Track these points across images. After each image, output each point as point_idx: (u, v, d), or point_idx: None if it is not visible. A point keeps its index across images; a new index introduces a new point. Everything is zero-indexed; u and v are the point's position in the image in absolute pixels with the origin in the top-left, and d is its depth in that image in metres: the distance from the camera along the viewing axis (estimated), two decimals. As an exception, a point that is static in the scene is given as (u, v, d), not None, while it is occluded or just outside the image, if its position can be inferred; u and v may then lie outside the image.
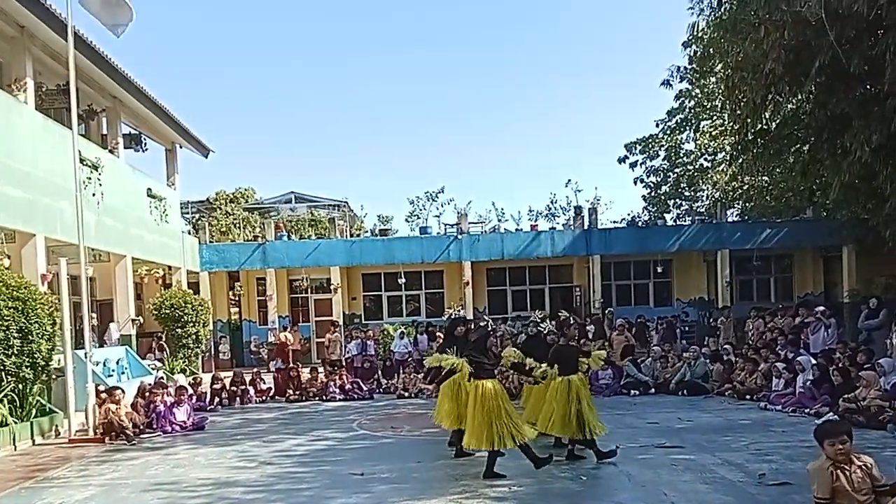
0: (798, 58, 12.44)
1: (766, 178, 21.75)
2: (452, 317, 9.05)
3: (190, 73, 64.18)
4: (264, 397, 15.69)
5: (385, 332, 20.44)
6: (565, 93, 61.73)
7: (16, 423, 10.37)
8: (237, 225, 29.66)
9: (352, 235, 26.32)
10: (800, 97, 14.31)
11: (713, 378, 14.40)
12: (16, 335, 10.40)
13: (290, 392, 15.58)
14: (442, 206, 29.02)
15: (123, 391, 11.72)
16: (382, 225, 31.06)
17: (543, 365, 8.78)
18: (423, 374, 13.35)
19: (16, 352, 10.43)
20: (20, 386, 10.62)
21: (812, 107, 13.81)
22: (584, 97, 61.77)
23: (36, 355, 10.80)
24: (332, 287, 22.78)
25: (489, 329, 8.05)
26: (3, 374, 10.32)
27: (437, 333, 16.10)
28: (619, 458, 8.25)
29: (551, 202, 30.50)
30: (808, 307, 15.66)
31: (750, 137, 15.16)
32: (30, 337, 10.63)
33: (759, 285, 24.04)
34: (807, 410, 11.13)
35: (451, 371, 8.27)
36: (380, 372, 17.09)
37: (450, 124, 63.64)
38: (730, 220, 24.34)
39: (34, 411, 10.92)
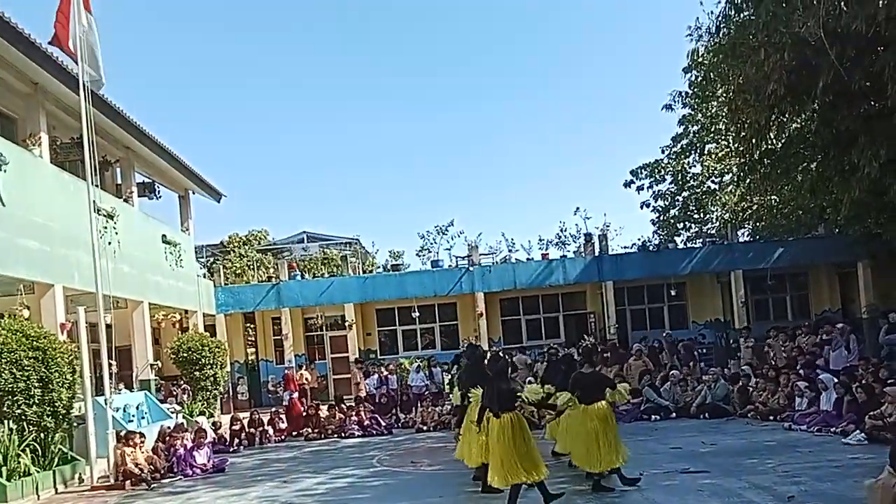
0: (800, 78, 12.54)
1: (775, 197, 21.74)
2: (478, 347, 9.00)
3: (200, 119, 65.22)
4: (283, 437, 15.67)
5: (401, 367, 20.40)
6: (570, 120, 62.20)
7: (38, 472, 10.39)
8: (251, 266, 29.87)
9: (364, 272, 26.42)
10: (804, 116, 14.40)
11: (734, 400, 14.27)
12: (37, 384, 10.50)
13: (309, 430, 15.57)
14: (452, 239, 29.17)
15: (144, 435, 11.76)
16: (394, 260, 31.21)
17: (563, 394, 8.72)
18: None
19: (37, 401, 10.52)
20: (42, 435, 10.68)
21: (817, 125, 13.89)
22: (589, 124, 62.19)
23: (57, 404, 10.89)
24: (346, 324, 22.82)
25: (508, 361, 7.97)
26: (25, 423, 10.39)
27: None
28: (643, 485, 8.19)
29: (561, 230, 30.63)
30: (831, 324, 15.54)
31: (756, 158, 15.23)
32: (50, 386, 10.72)
33: (776, 304, 23.85)
34: (832, 429, 11.01)
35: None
36: (397, 406, 17.05)
37: (457, 158, 64.15)
38: (741, 240, 24.26)
39: (56, 460, 10.94)
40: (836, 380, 12.07)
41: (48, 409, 10.73)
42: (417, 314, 23.04)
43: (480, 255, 23.95)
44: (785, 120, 14.50)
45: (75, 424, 11.66)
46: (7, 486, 9.76)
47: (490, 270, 22.92)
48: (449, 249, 28.68)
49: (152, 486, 10.65)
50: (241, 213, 65.93)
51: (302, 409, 17.28)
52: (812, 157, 14.81)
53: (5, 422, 10.20)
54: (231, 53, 63.58)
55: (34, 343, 10.61)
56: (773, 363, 15.49)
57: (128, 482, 10.71)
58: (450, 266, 24.18)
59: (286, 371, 21.57)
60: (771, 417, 12.93)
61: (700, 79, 17.81)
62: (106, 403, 11.57)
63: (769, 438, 11.17)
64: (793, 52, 12.07)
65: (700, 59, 15.29)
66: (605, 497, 7.83)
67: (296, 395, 17.38)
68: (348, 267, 24.53)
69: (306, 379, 19.71)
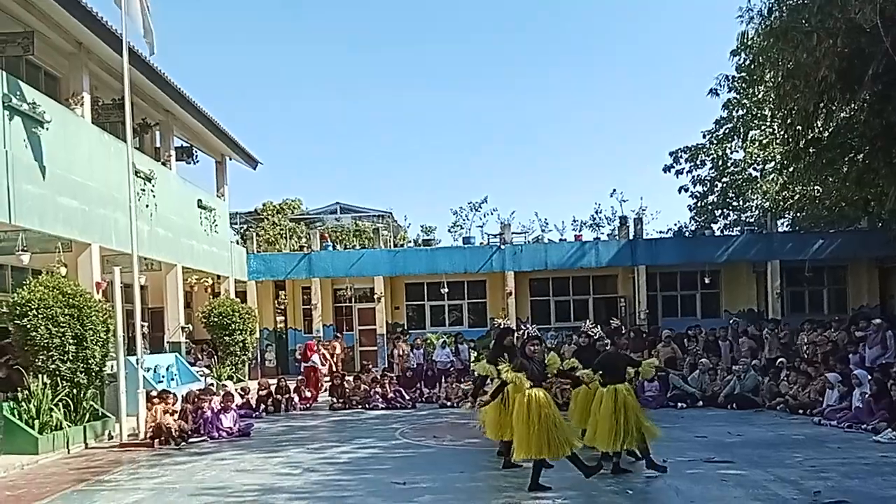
0: (851, 65, 12.13)
1: (818, 187, 21.17)
2: (501, 326, 8.97)
3: (239, 86, 65.68)
4: (308, 404, 15.87)
5: (427, 342, 20.46)
6: (611, 102, 61.32)
7: (70, 426, 10.69)
8: (283, 235, 30.13)
9: (395, 246, 26.47)
10: (853, 105, 13.93)
11: (764, 392, 14.05)
12: (71, 341, 10.77)
13: (334, 400, 15.73)
14: (485, 216, 29.01)
15: (176, 396, 12.05)
16: (426, 235, 31.17)
17: (582, 371, 8.62)
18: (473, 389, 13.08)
19: (71, 357, 10.80)
20: (75, 391, 10.97)
21: (867, 115, 13.43)
22: (631, 106, 61.24)
23: (90, 361, 11.18)
24: (375, 296, 22.94)
25: (532, 335, 7.95)
26: (58, 378, 10.67)
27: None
28: (667, 473, 8.10)
29: (596, 212, 30.26)
30: (866, 320, 15.17)
31: (802, 146, 14.82)
32: (84, 343, 11.00)
33: (812, 297, 23.36)
34: (864, 426, 10.78)
35: (503, 384, 8.06)
36: (422, 381, 17.12)
37: (493, 134, 63.75)
38: (780, 230, 23.75)
39: (88, 415, 11.24)
40: (870, 376, 11.80)
41: (81, 365, 11.02)
42: (446, 290, 23.06)
43: (512, 233, 23.84)
44: (834, 108, 14.04)
45: (107, 382, 11.95)
46: (39, 439, 10.06)
47: (521, 249, 22.81)
48: (481, 226, 28.58)
49: (180, 445, 10.88)
50: (276, 182, 66.52)
51: (321, 378, 17.44)
52: (859, 148, 14.35)
53: (39, 376, 10.48)
54: (267, 24, 63.76)
55: (70, 300, 10.87)
56: (805, 356, 15.19)
57: (157, 440, 10.95)
58: (481, 243, 24.12)
59: (316, 338, 21.90)
60: (800, 411, 12.71)
61: (748, 62, 17.27)
62: (137, 363, 11.81)
63: (797, 432, 10.99)
64: (846, 39, 11.65)
65: (749, 42, 14.80)
66: (626, 481, 7.77)
67: (311, 363, 17.54)
68: (380, 240, 24.58)
69: (335, 350, 19.82)
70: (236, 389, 14.52)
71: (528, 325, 8.27)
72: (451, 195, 67.04)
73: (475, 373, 8.27)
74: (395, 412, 14.71)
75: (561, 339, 19.24)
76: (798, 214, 25.19)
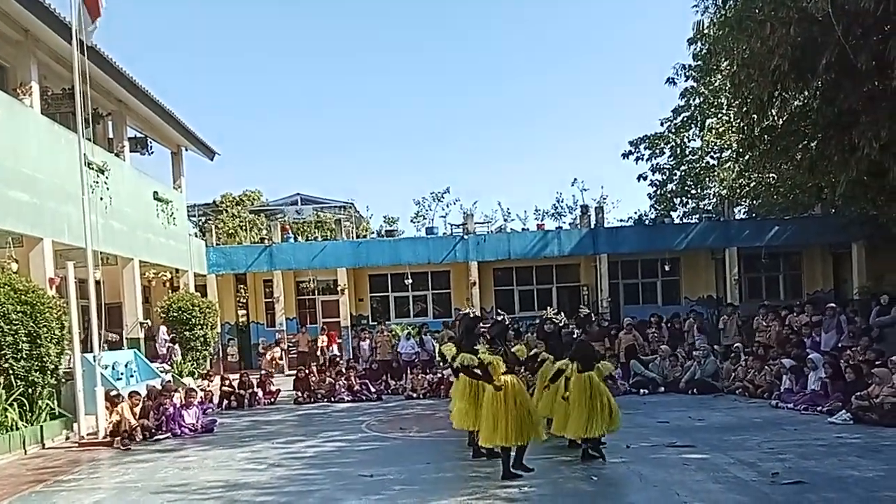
0: (805, 54, 12.37)
1: (773, 174, 21.64)
2: (471, 315, 8.92)
3: (195, 76, 64.41)
4: (273, 399, 15.69)
5: (392, 333, 20.42)
6: (571, 91, 61.71)
7: (26, 426, 10.40)
8: (243, 227, 29.73)
9: (358, 237, 26.30)
10: (807, 94, 14.24)
11: (723, 376, 14.34)
12: (24, 339, 10.46)
13: (299, 394, 15.58)
14: (448, 206, 29.04)
15: (140, 394, 11.85)
16: (388, 226, 31.09)
17: (559, 362, 8.64)
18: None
19: (25, 356, 10.49)
20: (30, 390, 10.66)
21: (819, 103, 13.74)
22: (590, 96, 61.71)
23: (45, 359, 10.86)
24: (338, 288, 22.78)
25: (506, 323, 7.89)
26: (12, 377, 10.36)
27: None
28: (630, 458, 8.21)
29: (558, 201, 30.51)
30: (820, 304, 15.56)
31: (756, 134, 15.10)
32: (38, 341, 10.69)
33: (769, 283, 23.92)
34: (819, 408, 11.06)
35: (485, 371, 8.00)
36: (387, 373, 17.07)
37: (455, 125, 63.69)
38: (737, 217, 24.24)
39: (44, 415, 10.94)
40: (824, 359, 12.11)
41: (36, 363, 10.70)
42: (410, 281, 23.02)
43: (475, 223, 23.88)
44: (787, 96, 14.33)
45: (63, 381, 11.63)
46: (-7, 440, 9.76)
47: (485, 239, 22.88)
48: (444, 217, 28.60)
49: (142, 443, 10.66)
50: (235, 173, 65.60)
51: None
52: (813, 136, 14.68)
53: (-8, 375, 10.16)
54: (226, 16, 62.60)
55: (22, 297, 10.55)
56: (761, 341, 15.52)
57: (117, 439, 10.71)
58: (444, 234, 24.12)
59: (279, 332, 21.90)
60: (759, 395, 13.00)
61: (704, 51, 17.57)
62: (94, 360, 11.52)
63: (756, 415, 11.23)
64: (799, 28, 11.89)
65: (705, 32, 15.02)
66: (591, 468, 7.85)
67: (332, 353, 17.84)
68: (342, 231, 24.40)
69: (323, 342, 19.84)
70: (198, 384, 14.29)
71: (502, 313, 8.23)
72: (414, 186, 66.96)
73: (458, 363, 8.09)
74: (361, 405, 14.64)
75: (524, 328, 19.35)
76: (754, 202, 25.77)
